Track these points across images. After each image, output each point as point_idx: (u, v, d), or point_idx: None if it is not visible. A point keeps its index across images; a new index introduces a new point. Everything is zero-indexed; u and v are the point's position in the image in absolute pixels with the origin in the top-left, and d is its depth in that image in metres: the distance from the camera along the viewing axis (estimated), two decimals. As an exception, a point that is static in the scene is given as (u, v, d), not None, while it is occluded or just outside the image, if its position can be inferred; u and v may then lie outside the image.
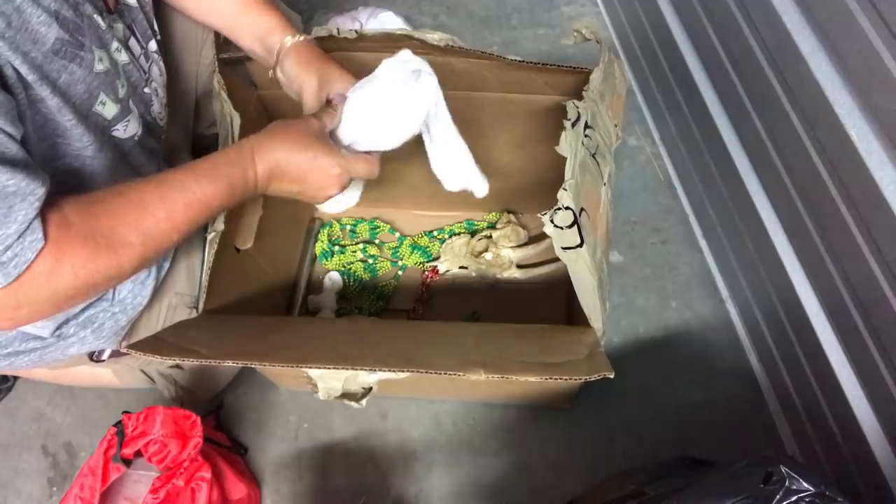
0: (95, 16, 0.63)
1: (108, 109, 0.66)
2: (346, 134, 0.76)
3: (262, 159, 0.68)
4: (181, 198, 0.61)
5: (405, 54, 0.75)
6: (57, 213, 0.55)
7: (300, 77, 0.78)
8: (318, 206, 0.80)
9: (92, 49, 0.61)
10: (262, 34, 0.79)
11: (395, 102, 0.74)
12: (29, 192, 0.52)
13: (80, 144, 0.64)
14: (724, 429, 0.97)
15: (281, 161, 0.69)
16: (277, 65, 0.79)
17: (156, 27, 0.77)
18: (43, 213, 0.54)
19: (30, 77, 0.56)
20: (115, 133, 0.68)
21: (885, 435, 0.75)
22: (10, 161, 0.52)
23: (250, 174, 0.67)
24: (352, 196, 0.87)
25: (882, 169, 0.67)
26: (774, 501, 0.58)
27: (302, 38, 0.79)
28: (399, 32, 0.79)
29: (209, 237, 0.79)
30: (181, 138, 0.95)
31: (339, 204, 0.86)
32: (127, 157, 0.72)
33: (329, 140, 0.73)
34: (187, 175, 0.63)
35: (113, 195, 0.59)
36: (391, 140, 0.76)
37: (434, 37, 0.78)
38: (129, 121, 0.69)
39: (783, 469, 0.59)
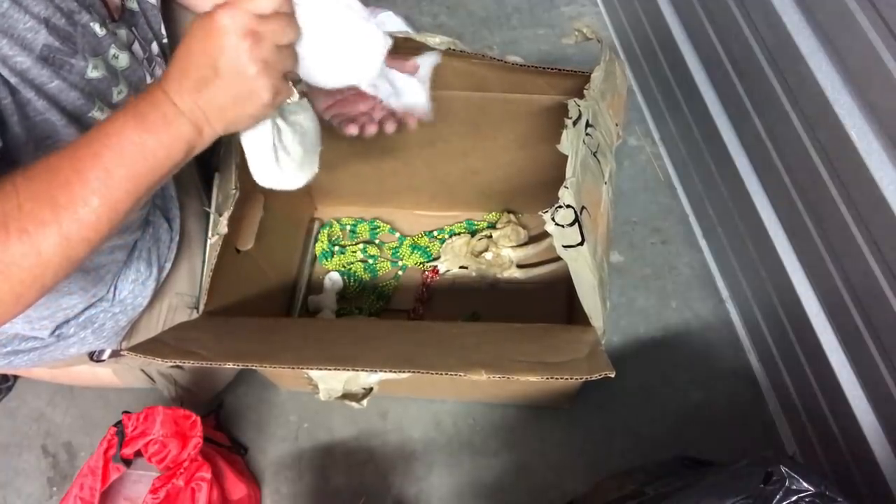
0: (92, 24, 0.63)
1: (106, 116, 0.66)
2: None
3: (169, 85, 0.53)
4: (88, 152, 0.51)
5: None
6: None
7: None
8: (259, 179, 0.63)
9: (85, 57, 0.61)
10: None
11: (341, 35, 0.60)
12: None
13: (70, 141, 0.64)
14: (724, 429, 0.97)
15: (184, 66, 0.53)
16: None
17: (163, 30, 0.78)
18: None
19: (13, 80, 0.56)
20: None
21: (885, 435, 0.75)
22: None
23: (166, 106, 0.53)
24: (308, 161, 0.65)
25: (882, 169, 0.67)
26: (774, 501, 0.58)
27: None
28: (401, 36, 0.79)
29: (211, 241, 0.79)
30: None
31: (298, 172, 0.64)
32: None
33: None
34: (99, 129, 0.52)
35: (20, 172, 0.51)
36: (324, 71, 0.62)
37: (435, 40, 0.78)
38: None
39: (783, 469, 0.59)
